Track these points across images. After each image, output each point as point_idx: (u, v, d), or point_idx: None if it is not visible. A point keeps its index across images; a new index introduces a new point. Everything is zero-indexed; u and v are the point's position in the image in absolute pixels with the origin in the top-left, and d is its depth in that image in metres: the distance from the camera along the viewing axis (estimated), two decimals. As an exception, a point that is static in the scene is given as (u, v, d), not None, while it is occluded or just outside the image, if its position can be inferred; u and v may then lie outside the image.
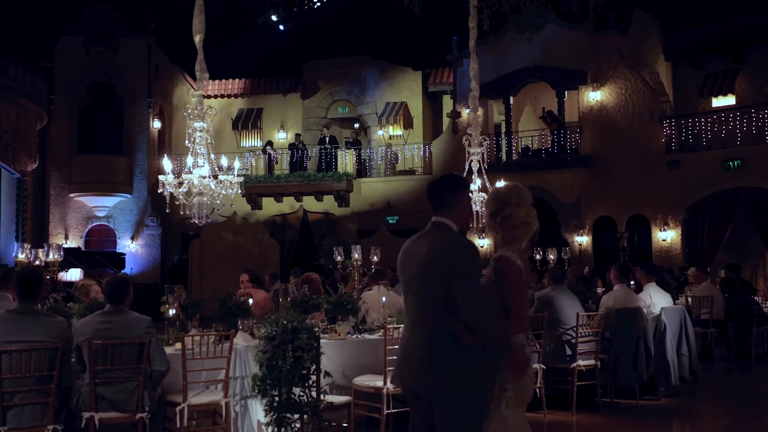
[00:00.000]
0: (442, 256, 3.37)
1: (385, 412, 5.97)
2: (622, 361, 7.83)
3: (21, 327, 4.83)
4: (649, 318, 8.17)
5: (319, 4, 15.05)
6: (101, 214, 22.60)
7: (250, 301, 7.14)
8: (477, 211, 10.84)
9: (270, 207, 22.86)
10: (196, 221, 7.71)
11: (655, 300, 8.46)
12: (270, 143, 23.67)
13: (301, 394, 5.31)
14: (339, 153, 22.59)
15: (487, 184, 10.54)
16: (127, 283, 5.41)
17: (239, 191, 7.81)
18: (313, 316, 6.45)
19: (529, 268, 3.88)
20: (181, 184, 7.51)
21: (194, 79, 8.72)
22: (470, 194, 3.78)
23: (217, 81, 24.55)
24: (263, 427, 5.59)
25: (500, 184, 10.51)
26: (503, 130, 20.69)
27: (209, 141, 7.61)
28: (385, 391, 6.00)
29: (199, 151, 7.50)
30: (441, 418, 3.37)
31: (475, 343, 3.34)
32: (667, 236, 18.37)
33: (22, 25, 22.28)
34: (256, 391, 5.44)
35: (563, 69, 19.20)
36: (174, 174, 7.55)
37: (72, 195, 22.31)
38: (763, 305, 11.84)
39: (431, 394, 3.39)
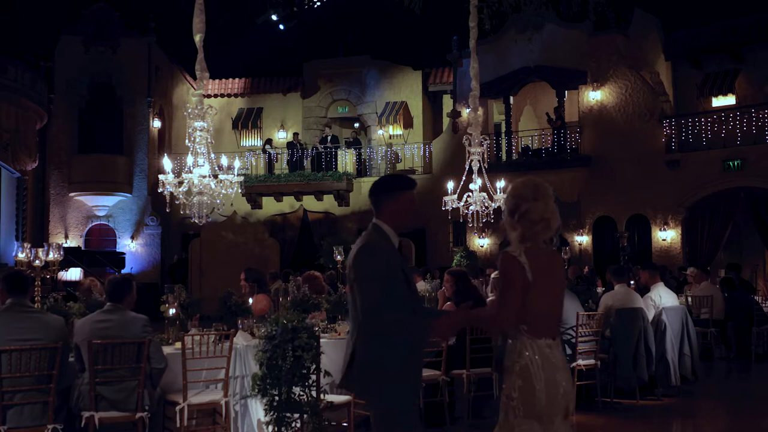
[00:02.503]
0: (350, 261, 3.51)
1: (385, 411, 5.96)
2: (622, 361, 7.82)
3: (19, 326, 4.82)
4: (656, 318, 8.16)
5: (319, 3, 15.06)
6: (101, 213, 22.61)
7: (250, 300, 7.15)
8: (477, 211, 10.85)
9: (270, 206, 22.86)
10: (196, 221, 7.72)
11: (665, 300, 8.45)
12: (269, 141, 23.65)
13: (301, 393, 5.31)
14: (339, 152, 22.59)
15: (488, 184, 10.55)
16: (129, 282, 5.40)
17: (239, 191, 7.82)
18: (313, 316, 6.45)
19: (562, 265, 3.63)
20: (181, 183, 7.53)
21: (194, 78, 8.73)
22: (408, 194, 3.63)
23: (217, 80, 24.54)
24: (263, 427, 5.59)
25: (502, 182, 10.53)
26: (503, 129, 20.69)
27: (209, 140, 7.62)
28: (385, 390, 6.00)
29: (199, 150, 7.51)
30: (372, 420, 3.54)
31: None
32: (667, 236, 18.37)
33: (22, 25, 22.28)
34: (256, 390, 5.44)
35: (563, 69, 19.20)
36: (174, 173, 7.55)
37: (72, 194, 22.31)
38: (763, 305, 11.84)
39: (361, 397, 3.56)
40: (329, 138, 22.76)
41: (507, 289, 3.32)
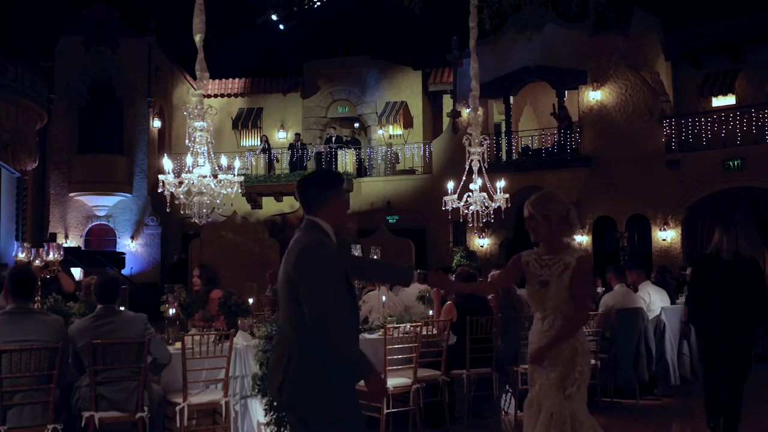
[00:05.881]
0: (294, 260, 3.22)
1: (385, 411, 5.97)
2: (623, 361, 7.83)
3: (18, 327, 4.80)
4: (649, 317, 8.17)
5: (319, 4, 15.06)
6: (101, 213, 22.62)
7: (250, 301, 7.15)
8: (477, 211, 10.84)
9: (270, 206, 22.86)
10: (196, 221, 7.72)
11: (654, 298, 8.47)
12: (266, 139, 23.57)
13: (301, 393, 5.30)
14: (339, 152, 22.59)
15: (488, 184, 10.55)
16: (118, 282, 5.39)
17: (239, 190, 7.82)
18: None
19: None
20: (181, 183, 7.53)
21: (194, 78, 8.73)
22: (344, 191, 3.47)
23: (217, 80, 24.54)
24: (263, 427, 5.59)
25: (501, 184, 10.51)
26: (503, 129, 20.70)
27: (209, 140, 7.62)
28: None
29: (199, 150, 7.51)
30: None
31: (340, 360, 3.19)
32: (667, 236, 18.37)
33: (22, 25, 22.27)
34: (256, 390, 5.44)
35: (563, 69, 19.20)
36: (174, 173, 7.56)
37: (72, 194, 22.32)
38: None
39: (298, 410, 3.26)
40: (333, 138, 22.76)
41: (586, 288, 4.07)
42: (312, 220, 3.34)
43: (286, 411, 3.40)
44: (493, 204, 10.74)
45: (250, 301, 7.23)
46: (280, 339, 3.43)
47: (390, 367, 6.12)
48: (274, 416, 5.33)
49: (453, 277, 7.45)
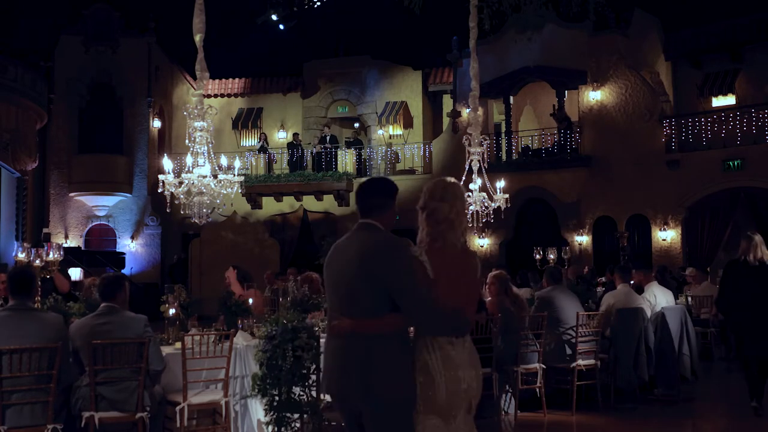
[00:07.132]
0: (378, 255, 3.37)
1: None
2: (623, 361, 7.82)
3: (18, 326, 4.81)
4: (655, 318, 8.16)
5: (319, 3, 15.06)
6: (101, 213, 22.62)
7: (250, 300, 7.15)
8: (477, 211, 10.84)
9: (270, 206, 22.86)
10: (196, 221, 7.71)
11: (659, 299, 8.46)
12: (264, 137, 23.56)
13: (301, 393, 5.31)
14: (339, 152, 22.59)
15: (488, 184, 10.55)
16: (121, 280, 5.39)
17: (239, 190, 7.81)
18: (312, 316, 6.45)
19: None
20: (181, 183, 7.51)
21: (194, 78, 8.72)
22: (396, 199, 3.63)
23: (217, 80, 24.54)
24: (263, 427, 5.59)
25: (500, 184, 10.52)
26: (503, 129, 20.70)
27: (209, 140, 7.61)
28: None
29: (199, 150, 7.50)
30: (379, 421, 3.33)
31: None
32: (667, 236, 18.37)
33: (22, 25, 22.29)
34: (256, 390, 5.44)
35: (563, 69, 19.20)
36: (174, 173, 7.55)
37: (72, 194, 22.33)
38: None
39: (368, 397, 3.32)
40: (328, 138, 22.76)
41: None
42: (371, 223, 3.52)
43: (345, 400, 3.45)
44: (493, 204, 10.73)
45: (250, 301, 7.22)
46: (350, 339, 3.41)
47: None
48: (274, 416, 5.33)
49: None
